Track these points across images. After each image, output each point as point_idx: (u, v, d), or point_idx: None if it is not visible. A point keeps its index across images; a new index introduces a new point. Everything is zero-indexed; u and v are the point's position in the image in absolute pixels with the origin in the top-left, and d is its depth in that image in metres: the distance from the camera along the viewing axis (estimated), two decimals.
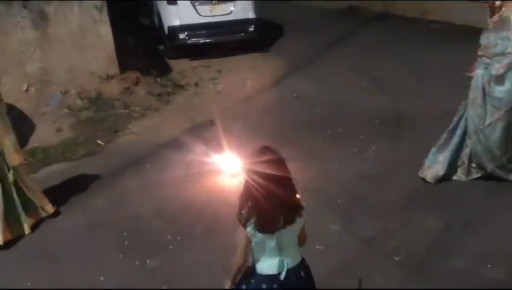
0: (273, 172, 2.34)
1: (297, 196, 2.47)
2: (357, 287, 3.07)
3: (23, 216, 4.26)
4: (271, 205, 2.36)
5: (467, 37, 9.13)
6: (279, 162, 2.40)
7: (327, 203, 4.48)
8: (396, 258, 3.81)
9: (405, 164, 5.14)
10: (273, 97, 7.06)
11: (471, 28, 9.55)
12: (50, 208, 4.48)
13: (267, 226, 2.40)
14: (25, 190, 4.27)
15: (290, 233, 2.47)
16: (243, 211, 2.44)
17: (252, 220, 2.39)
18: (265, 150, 2.45)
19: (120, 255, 4.02)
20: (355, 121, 6.21)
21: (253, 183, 2.37)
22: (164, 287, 3.66)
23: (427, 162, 4.80)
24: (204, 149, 5.51)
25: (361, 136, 5.78)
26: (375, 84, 7.42)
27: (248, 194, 2.41)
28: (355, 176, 4.97)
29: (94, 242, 4.21)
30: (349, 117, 6.32)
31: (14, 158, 4.14)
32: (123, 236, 4.23)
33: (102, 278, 3.78)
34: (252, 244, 2.46)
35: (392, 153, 5.41)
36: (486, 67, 4.40)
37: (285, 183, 2.40)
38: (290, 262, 2.51)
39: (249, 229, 2.41)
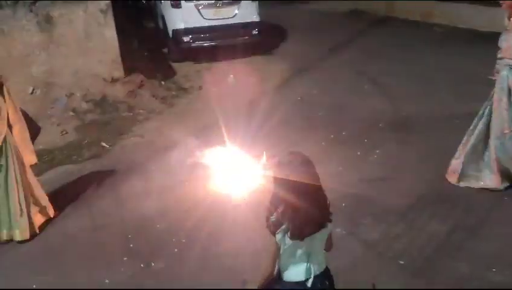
0: (303, 177, 2.29)
1: (327, 201, 2.43)
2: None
3: (33, 216, 4.31)
4: (302, 211, 2.30)
5: (470, 41, 9.22)
6: (309, 167, 2.35)
7: (331, 206, 4.48)
8: (401, 262, 3.82)
9: (409, 167, 5.16)
10: (277, 100, 7.06)
11: (475, 32, 9.61)
12: (52, 212, 4.52)
13: (298, 232, 2.34)
14: (35, 190, 4.34)
15: (319, 239, 2.44)
16: (272, 218, 2.36)
17: (282, 227, 2.33)
18: (294, 154, 2.40)
19: (125, 258, 4.03)
20: (359, 124, 6.22)
21: (283, 189, 2.31)
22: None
23: (451, 161, 4.76)
24: (209, 152, 5.53)
25: (365, 140, 5.79)
26: (379, 88, 7.44)
27: (278, 200, 2.35)
28: (359, 179, 4.97)
29: (99, 244, 4.22)
30: (353, 120, 6.34)
31: (30, 158, 4.26)
32: (128, 238, 4.25)
33: (107, 281, 3.79)
34: (281, 251, 2.40)
35: (396, 157, 5.42)
36: (511, 68, 4.33)
37: (315, 188, 2.36)
38: (316, 269, 2.47)
39: (278, 236, 2.35)
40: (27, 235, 4.22)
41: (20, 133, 4.18)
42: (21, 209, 4.15)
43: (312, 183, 2.33)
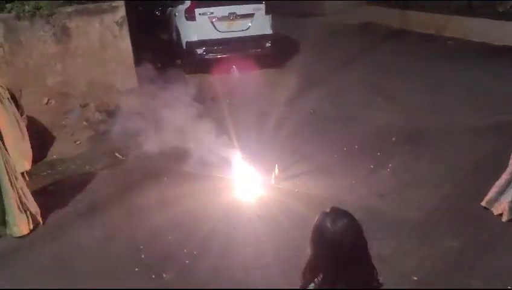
0: (348, 242, 1.95)
1: (375, 270, 2.08)
2: None
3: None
4: (346, 280, 1.95)
5: (484, 54, 9.17)
6: (355, 230, 2.00)
7: None
8: (414, 278, 3.76)
9: (422, 182, 5.11)
10: (289, 112, 7.07)
11: (488, 46, 9.56)
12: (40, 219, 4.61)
13: None
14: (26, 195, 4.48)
15: None
16: (310, 287, 2.03)
17: None
18: (339, 214, 2.03)
19: (136, 269, 4.03)
20: (372, 137, 6.20)
21: (324, 253, 1.98)
22: None
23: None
24: (221, 164, 5.53)
25: (378, 153, 5.75)
26: (391, 101, 7.41)
27: (317, 266, 2.01)
28: (372, 193, 4.93)
29: (111, 254, 4.23)
30: (365, 133, 6.31)
31: (23, 165, 4.38)
32: (139, 249, 4.25)
33: None
34: None
35: (409, 171, 5.37)
36: None
37: (362, 255, 2.00)
38: None
39: None
40: (27, 230, 4.43)
41: (12, 141, 4.26)
42: (19, 208, 4.36)
43: (358, 250, 2.00)
